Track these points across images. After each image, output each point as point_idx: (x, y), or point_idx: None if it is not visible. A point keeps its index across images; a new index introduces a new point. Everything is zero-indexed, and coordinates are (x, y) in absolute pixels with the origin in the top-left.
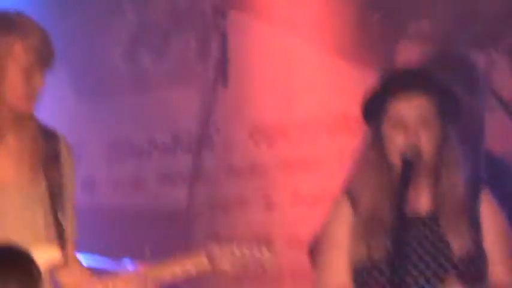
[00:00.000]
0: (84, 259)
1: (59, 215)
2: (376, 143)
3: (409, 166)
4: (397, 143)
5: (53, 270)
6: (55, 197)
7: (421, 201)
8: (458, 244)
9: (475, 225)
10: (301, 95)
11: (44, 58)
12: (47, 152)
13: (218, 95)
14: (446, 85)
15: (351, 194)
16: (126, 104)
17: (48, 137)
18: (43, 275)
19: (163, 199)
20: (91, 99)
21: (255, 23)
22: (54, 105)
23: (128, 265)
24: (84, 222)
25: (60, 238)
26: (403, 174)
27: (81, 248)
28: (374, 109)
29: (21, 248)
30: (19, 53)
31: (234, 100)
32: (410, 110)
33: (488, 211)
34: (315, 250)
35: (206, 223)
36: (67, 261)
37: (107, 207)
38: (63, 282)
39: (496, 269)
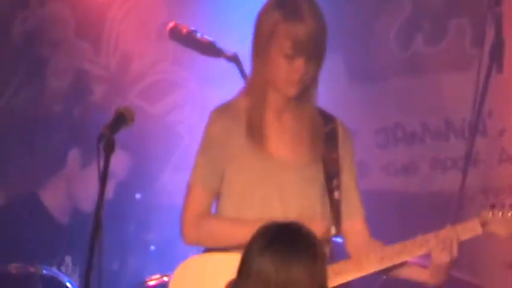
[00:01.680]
0: None
1: (335, 194)
2: None
3: None
4: None
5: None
6: (331, 177)
7: None
8: None
9: None
10: None
11: (305, 46)
12: (324, 133)
13: (492, 80)
14: None
15: None
16: (399, 88)
17: (325, 120)
18: (326, 257)
19: (436, 184)
20: (364, 83)
21: None
22: (330, 89)
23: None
24: None
25: (337, 216)
26: None
27: None
28: None
29: (307, 229)
30: (281, 35)
31: (508, 85)
32: None
33: None
34: None
35: (478, 208)
36: (347, 236)
37: (379, 192)
38: (351, 254)
39: None
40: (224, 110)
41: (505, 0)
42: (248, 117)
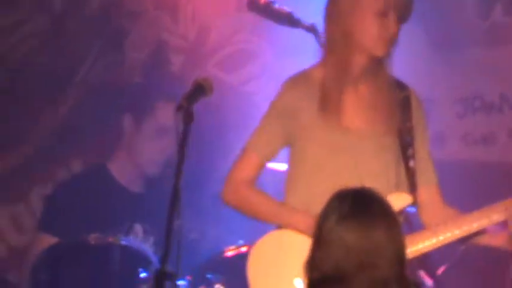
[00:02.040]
0: None
1: (411, 163)
2: None
3: None
4: None
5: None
6: (406, 146)
7: None
8: None
9: None
10: None
11: (397, 3)
12: (399, 102)
13: None
14: None
15: None
16: (478, 59)
17: (399, 89)
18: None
19: None
20: (444, 53)
21: None
22: (411, 59)
23: None
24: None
25: (412, 185)
26: None
27: None
28: None
29: (381, 195)
30: None
31: None
32: None
33: None
34: None
35: None
36: (422, 205)
37: (457, 161)
38: (426, 223)
39: None
40: (297, 80)
41: None
42: (324, 89)
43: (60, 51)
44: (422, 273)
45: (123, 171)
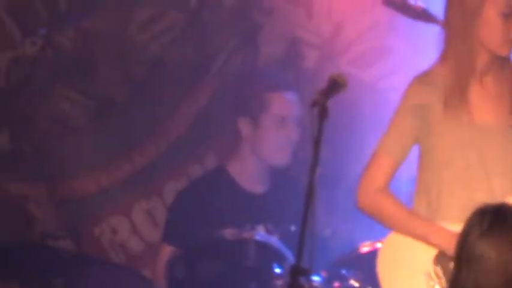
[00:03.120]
0: None
1: None
2: None
3: None
4: None
5: None
6: None
7: None
8: None
9: None
10: None
11: None
12: None
13: None
14: None
15: None
16: None
17: None
18: None
19: None
20: None
21: None
22: None
23: None
24: None
25: None
26: None
27: None
28: None
29: None
30: None
31: None
32: None
33: None
34: None
35: None
36: None
37: None
38: None
39: None
40: (423, 78)
41: None
42: (451, 83)
43: (196, 45)
44: None
45: (244, 171)
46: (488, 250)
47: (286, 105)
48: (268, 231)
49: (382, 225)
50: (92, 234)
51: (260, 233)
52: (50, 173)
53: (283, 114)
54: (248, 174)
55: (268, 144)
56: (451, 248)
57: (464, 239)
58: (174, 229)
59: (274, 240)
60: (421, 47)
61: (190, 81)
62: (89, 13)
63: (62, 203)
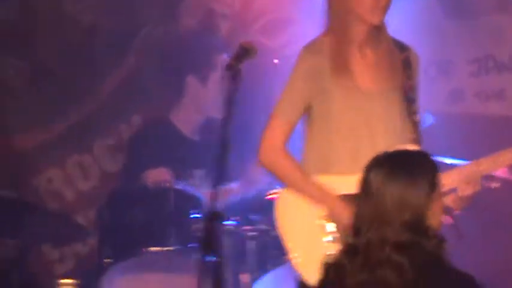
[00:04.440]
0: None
1: (415, 118)
2: None
3: None
4: None
5: None
6: (410, 102)
7: None
8: None
9: None
10: None
11: None
12: (401, 61)
13: None
14: None
15: None
16: (490, 23)
17: (400, 48)
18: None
19: None
20: (458, 18)
21: None
22: (426, 23)
23: None
24: (452, 129)
25: (418, 137)
26: None
27: (447, 151)
28: None
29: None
30: None
31: None
32: None
33: None
34: None
35: None
36: None
37: (472, 115)
38: None
39: None
40: (312, 47)
41: None
42: (332, 53)
43: (125, 15)
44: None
45: (186, 121)
46: (387, 187)
47: None
48: (207, 175)
49: (283, 183)
50: (31, 184)
51: (179, 183)
52: None
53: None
54: (189, 124)
55: (214, 100)
56: (335, 214)
57: (367, 175)
58: (129, 170)
59: (192, 189)
60: (318, 19)
61: (120, 48)
62: None
63: (3, 157)
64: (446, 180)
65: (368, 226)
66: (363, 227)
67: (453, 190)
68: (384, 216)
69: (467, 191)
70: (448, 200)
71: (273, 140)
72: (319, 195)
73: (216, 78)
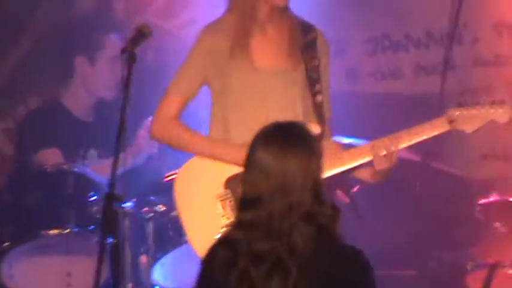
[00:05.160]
0: (345, 139)
1: (318, 98)
2: None
3: None
4: None
5: None
6: (313, 82)
7: None
8: None
9: None
10: None
11: None
12: (304, 41)
13: None
14: None
15: None
16: (385, 2)
17: (305, 29)
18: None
19: (419, 87)
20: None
21: None
22: (321, 3)
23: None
24: (349, 108)
25: (320, 117)
26: None
27: (344, 130)
28: None
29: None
30: None
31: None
32: None
33: None
34: None
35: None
36: (324, 136)
37: (369, 95)
38: None
39: None
40: (214, 26)
41: None
42: (234, 32)
43: None
44: (339, 192)
45: (78, 103)
46: (267, 158)
47: (118, 46)
48: (100, 156)
49: (177, 149)
50: None
51: (78, 165)
52: None
53: (115, 54)
54: (81, 106)
55: (100, 82)
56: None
57: (250, 148)
58: (22, 152)
59: (91, 172)
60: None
61: (14, 30)
62: None
63: None
64: (360, 153)
65: (269, 198)
66: (260, 201)
67: (370, 163)
68: (287, 188)
69: (383, 164)
70: (365, 174)
71: (167, 113)
72: (222, 149)
73: (105, 59)
